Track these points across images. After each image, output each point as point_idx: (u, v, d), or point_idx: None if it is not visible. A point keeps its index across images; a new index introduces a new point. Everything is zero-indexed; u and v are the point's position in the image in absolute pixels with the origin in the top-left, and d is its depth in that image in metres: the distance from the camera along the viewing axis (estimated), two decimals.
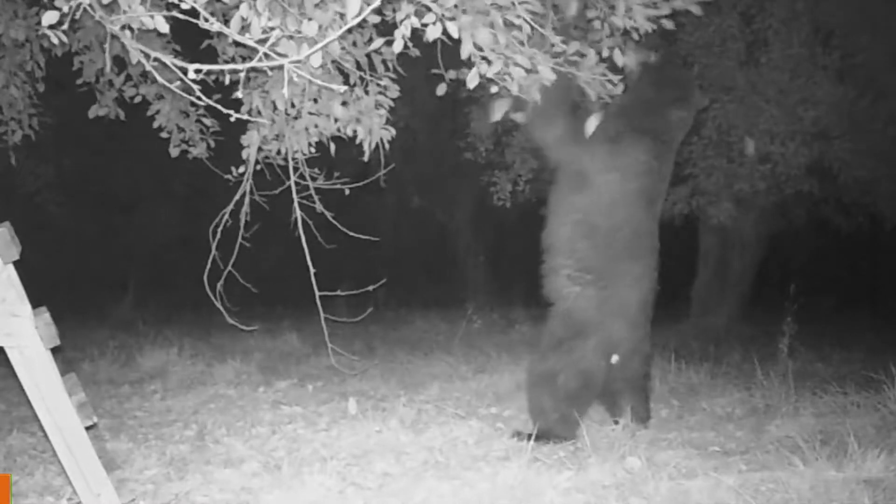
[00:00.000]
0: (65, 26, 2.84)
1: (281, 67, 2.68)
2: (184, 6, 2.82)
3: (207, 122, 5.23)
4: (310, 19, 3.05)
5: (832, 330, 8.90)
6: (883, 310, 11.10)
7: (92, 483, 2.78)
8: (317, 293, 4.57)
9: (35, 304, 2.73)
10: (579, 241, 4.24)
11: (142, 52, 3.04)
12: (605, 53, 4.16)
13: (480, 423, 4.59)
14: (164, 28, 2.83)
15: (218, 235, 4.69)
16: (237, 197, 4.74)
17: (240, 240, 4.71)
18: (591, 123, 4.33)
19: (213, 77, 3.96)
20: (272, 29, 2.90)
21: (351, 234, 4.86)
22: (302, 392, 5.58)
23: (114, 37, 3.08)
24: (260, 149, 4.67)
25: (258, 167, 4.81)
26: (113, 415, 4.93)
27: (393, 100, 4.47)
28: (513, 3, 3.49)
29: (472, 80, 3.49)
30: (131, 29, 3.07)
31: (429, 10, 3.26)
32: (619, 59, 4.24)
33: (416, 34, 3.41)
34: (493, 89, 3.97)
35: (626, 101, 4.35)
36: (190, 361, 6.35)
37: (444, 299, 11.20)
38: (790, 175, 8.44)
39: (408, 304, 10.81)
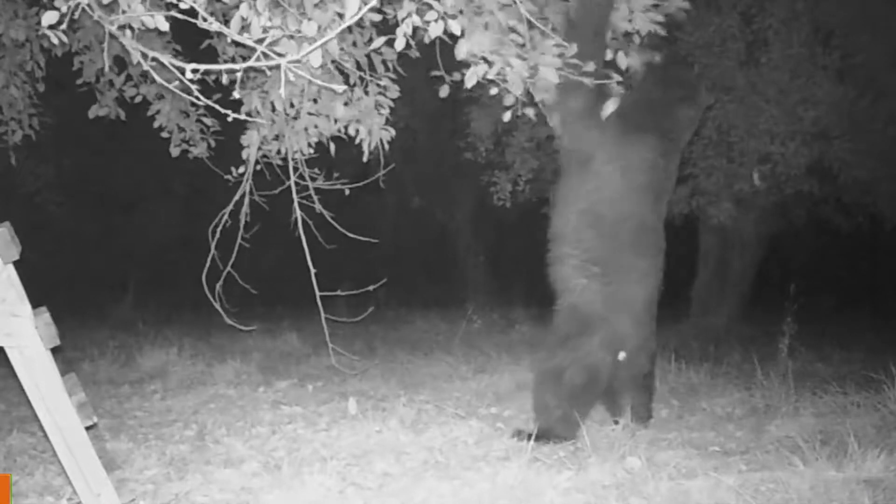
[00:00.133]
0: (64, 26, 2.84)
1: (279, 67, 2.69)
2: (182, 6, 2.82)
3: (208, 121, 5.23)
4: (309, 19, 3.05)
5: (832, 330, 8.89)
6: (883, 310, 11.08)
7: (92, 483, 2.78)
8: (317, 293, 4.56)
9: (35, 304, 2.73)
10: (585, 231, 4.25)
11: (140, 51, 3.04)
12: (609, 56, 4.17)
13: (480, 423, 4.58)
14: (165, 27, 2.84)
15: (217, 235, 4.69)
16: (237, 197, 4.75)
17: (239, 240, 4.72)
18: (609, 106, 4.34)
19: (213, 77, 3.96)
20: (272, 28, 2.91)
21: (351, 234, 4.87)
22: (302, 392, 5.57)
23: (113, 37, 3.08)
24: (260, 149, 4.67)
25: (258, 167, 4.82)
26: (113, 415, 4.92)
27: (393, 100, 4.47)
28: (513, 3, 3.50)
29: (470, 80, 3.49)
30: (131, 28, 3.07)
31: (430, 7, 3.26)
32: (623, 61, 4.24)
33: (416, 34, 3.41)
34: (493, 91, 3.97)
35: (632, 100, 4.36)
36: (190, 361, 6.34)
37: (444, 299, 11.20)
38: (790, 175, 8.44)
39: (408, 304, 10.79)
